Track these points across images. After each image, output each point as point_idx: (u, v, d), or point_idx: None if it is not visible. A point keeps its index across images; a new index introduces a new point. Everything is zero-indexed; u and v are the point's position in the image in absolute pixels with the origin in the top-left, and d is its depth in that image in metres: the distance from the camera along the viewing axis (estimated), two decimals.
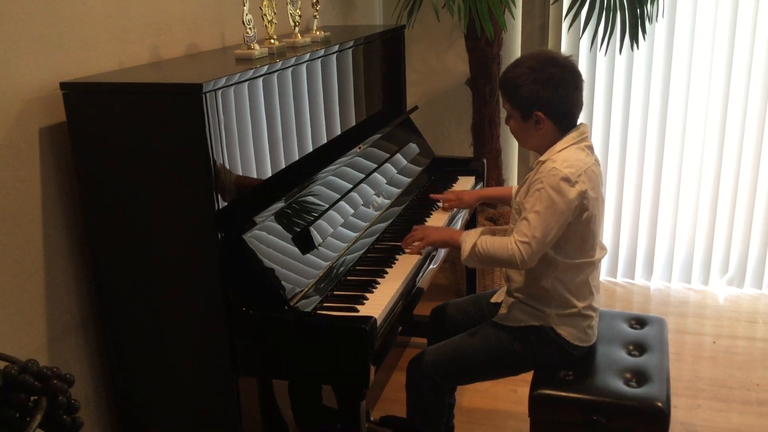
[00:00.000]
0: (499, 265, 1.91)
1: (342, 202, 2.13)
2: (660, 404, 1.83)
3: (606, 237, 3.62)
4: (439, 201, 2.49)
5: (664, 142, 3.43)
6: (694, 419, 2.51)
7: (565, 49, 3.46)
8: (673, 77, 3.33)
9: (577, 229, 1.85)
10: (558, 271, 1.89)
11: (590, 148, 1.90)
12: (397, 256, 2.07)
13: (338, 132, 2.31)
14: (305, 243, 1.87)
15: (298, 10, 2.21)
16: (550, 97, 1.84)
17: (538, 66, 1.85)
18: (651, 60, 3.33)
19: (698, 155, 3.42)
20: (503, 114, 1.99)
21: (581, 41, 3.38)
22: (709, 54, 3.27)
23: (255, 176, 1.82)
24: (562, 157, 1.83)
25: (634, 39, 2.91)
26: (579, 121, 1.94)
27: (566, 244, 1.87)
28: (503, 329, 1.98)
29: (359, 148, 2.37)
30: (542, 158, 1.87)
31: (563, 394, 1.89)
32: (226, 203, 1.67)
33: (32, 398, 0.93)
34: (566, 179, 1.78)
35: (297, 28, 2.21)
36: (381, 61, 2.75)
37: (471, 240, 1.91)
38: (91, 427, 1.92)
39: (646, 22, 2.90)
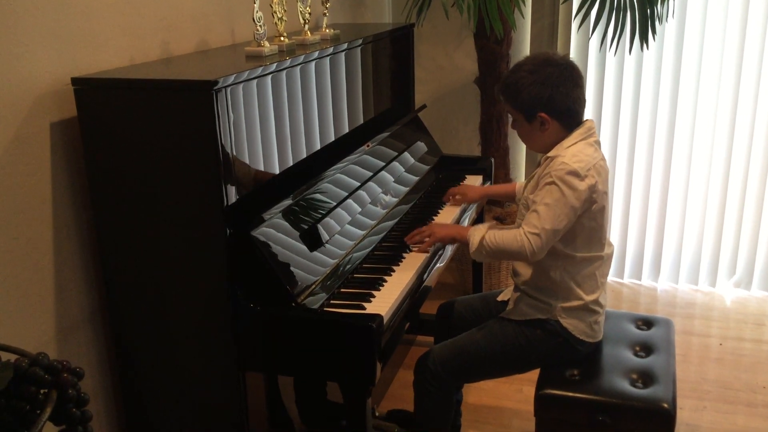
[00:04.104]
0: (509, 257, 1.92)
1: (349, 200, 2.13)
2: (666, 405, 1.82)
3: (614, 237, 3.61)
4: (446, 201, 2.50)
5: (673, 143, 3.42)
6: (699, 421, 2.51)
7: (574, 48, 3.45)
8: (682, 78, 3.32)
9: (586, 222, 1.86)
10: (566, 263, 1.90)
11: (597, 143, 1.92)
12: (405, 254, 2.07)
13: (346, 130, 2.31)
14: (313, 240, 1.88)
15: (308, 8, 2.22)
16: (551, 97, 1.85)
17: (535, 68, 1.87)
18: (660, 60, 3.32)
19: (707, 156, 3.41)
20: None
21: (591, 41, 3.37)
22: (719, 54, 3.26)
23: (263, 173, 1.83)
24: (571, 152, 1.84)
25: (643, 39, 2.90)
26: (587, 118, 1.94)
27: (576, 238, 1.88)
28: (509, 324, 1.99)
29: (367, 146, 2.37)
30: (550, 154, 1.89)
31: (569, 393, 1.89)
32: (234, 200, 1.68)
33: (42, 391, 0.94)
34: (576, 173, 1.80)
35: (307, 26, 2.22)
36: (390, 59, 2.75)
37: (479, 234, 1.92)
38: (98, 421, 1.93)
39: (656, 23, 2.90)
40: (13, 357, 0.97)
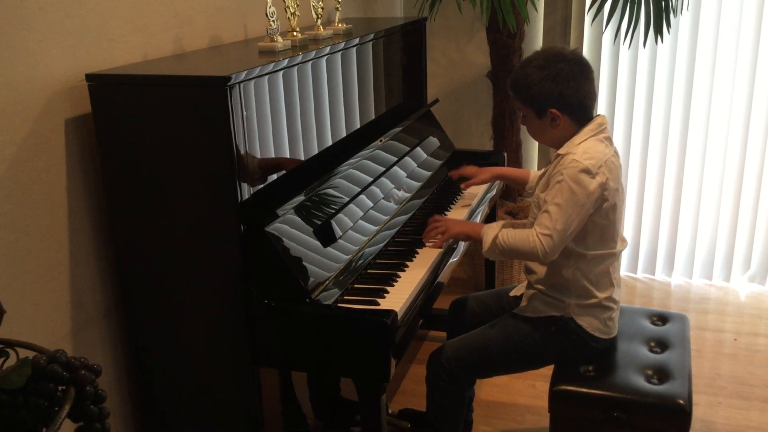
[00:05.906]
0: (521, 257, 1.91)
1: (362, 195, 2.13)
2: (681, 402, 1.81)
3: (627, 232, 3.59)
4: (460, 192, 2.49)
5: (687, 136, 3.39)
6: (714, 417, 2.49)
7: (587, 42, 3.42)
8: (696, 71, 3.29)
9: (597, 220, 1.85)
10: (579, 262, 1.89)
11: (609, 139, 1.90)
12: (418, 249, 2.07)
13: (358, 125, 2.30)
14: (326, 236, 1.87)
15: (320, 2, 2.21)
16: (562, 93, 1.84)
17: (545, 63, 1.85)
18: (675, 53, 3.29)
19: (721, 150, 3.38)
20: None
21: (604, 34, 3.35)
22: (734, 47, 3.22)
23: (276, 169, 1.82)
24: (582, 149, 1.83)
25: (658, 32, 2.88)
26: (599, 113, 1.93)
27: (587, 236, 1.87)
28: (523, 320, 1.98)
29: (380, 141, 2.37)
30: (561, 151, 1.87)
31: (583, 390, 1.88)
32: (247, 196, 1.68)
33: (60, 388, 0.94)
34: (587, 171, 1.78)
35: (319, 21, 2.21)
36: (402, 53, 2.74)
37: (492, 232, 1.91)
38: (113, 417, 1.94)
39: (671, 15, 2.87)
40: (30, 354, 0.97)
